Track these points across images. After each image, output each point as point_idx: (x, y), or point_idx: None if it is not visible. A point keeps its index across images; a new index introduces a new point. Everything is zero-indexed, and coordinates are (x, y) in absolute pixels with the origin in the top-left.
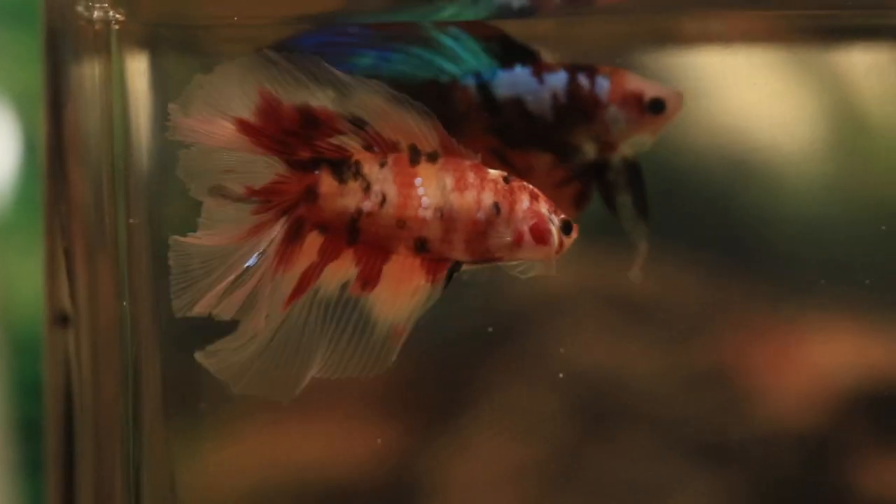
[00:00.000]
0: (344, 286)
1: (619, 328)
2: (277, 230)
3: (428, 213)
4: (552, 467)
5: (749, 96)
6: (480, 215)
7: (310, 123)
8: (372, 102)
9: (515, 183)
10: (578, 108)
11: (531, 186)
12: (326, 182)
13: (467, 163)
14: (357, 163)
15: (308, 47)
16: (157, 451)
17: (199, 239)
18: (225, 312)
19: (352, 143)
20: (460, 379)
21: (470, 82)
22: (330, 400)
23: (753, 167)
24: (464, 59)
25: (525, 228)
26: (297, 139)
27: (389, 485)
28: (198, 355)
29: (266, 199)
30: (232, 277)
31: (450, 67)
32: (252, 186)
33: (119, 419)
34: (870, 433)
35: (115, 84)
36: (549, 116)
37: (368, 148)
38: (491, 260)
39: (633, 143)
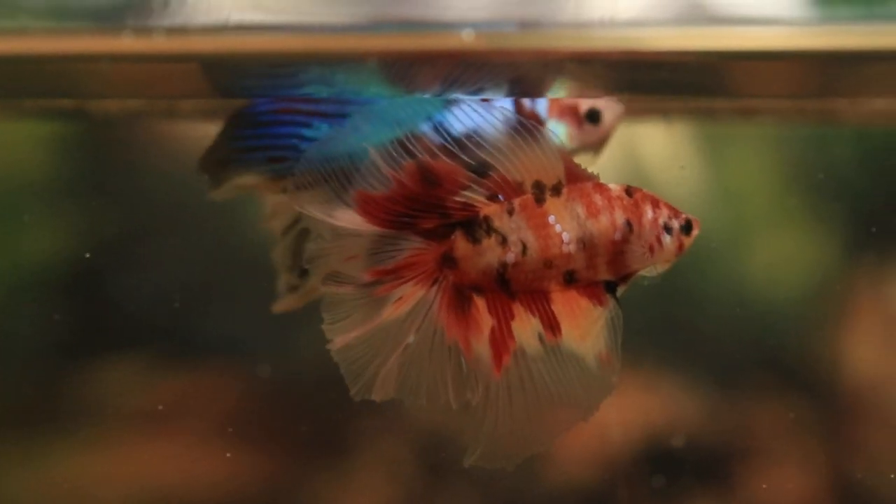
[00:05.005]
0: (541, 338)
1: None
2: (432, 301)
3: (571, 248)
4: None
5: None
6: (617, 235)
7: (430, 184)
8: (496, 140)
9: (638, 194)
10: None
11: (651, 194)
12: (461, 246)
13: (589, 185)
14: (487, 218)
15: (263, 114)
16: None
17: (350, 334)
18: (407, 396)
19: (476, 198)
20: (338, 419)
21: (425, 128)
22: (200, 422)
23: None
24: (415, 107)
25: (654, 239)
26: (421, 206)
27: None
28: (467, 461)
29: (399, 275)
30: (395, 357)
31: (404, 117)
32: (380, 268)
33: None
34: (651, 489)
35: None
36: None
37: (493, 197)
38: (630, 275)
39: (579, 158)
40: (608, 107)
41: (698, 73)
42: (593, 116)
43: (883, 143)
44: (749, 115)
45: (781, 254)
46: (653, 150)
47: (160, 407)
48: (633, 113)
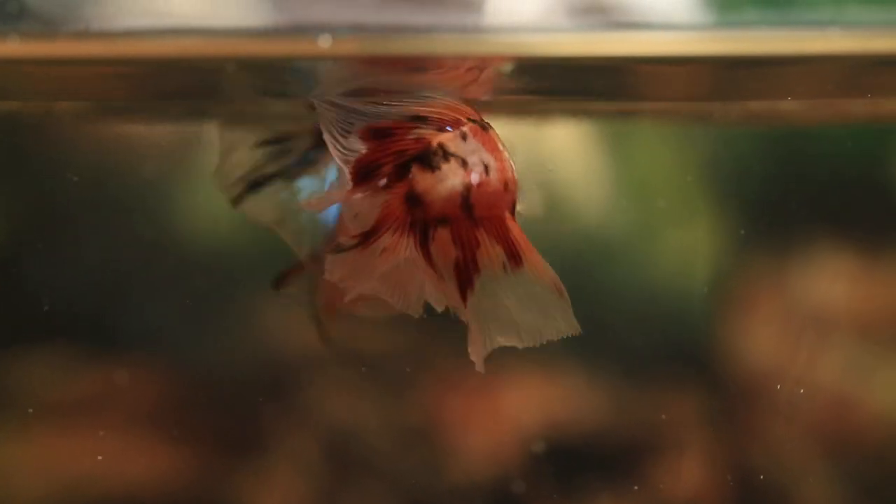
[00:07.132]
0: (505, 268)
1: (357, 384)
2: (409, 241)
3: (517, 175)
4: None
5: None
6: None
7: (382, 136)
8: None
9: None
10: None
11: None
12: (421, 178)
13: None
14: (442, 145)
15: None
16: None
17: (372, 291)
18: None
19: (427, 131)
20: (252, 416)
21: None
22: (118, 416)
23: None
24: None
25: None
26: (379, 158)
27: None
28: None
29: (379, 229)
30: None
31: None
32: (361, 230)
33: None
34: (554, 483)
35: None
36: None
37: (441, 130)
38: None
39: None
40: None
41: (596, 76)
42: None
43: (781, 141)
44: (648, 116)
45: (684, 249)
46: (553, 151)
47: (79, 400)
48: (532, 114)
